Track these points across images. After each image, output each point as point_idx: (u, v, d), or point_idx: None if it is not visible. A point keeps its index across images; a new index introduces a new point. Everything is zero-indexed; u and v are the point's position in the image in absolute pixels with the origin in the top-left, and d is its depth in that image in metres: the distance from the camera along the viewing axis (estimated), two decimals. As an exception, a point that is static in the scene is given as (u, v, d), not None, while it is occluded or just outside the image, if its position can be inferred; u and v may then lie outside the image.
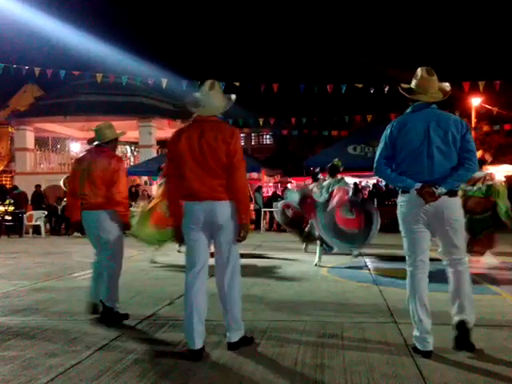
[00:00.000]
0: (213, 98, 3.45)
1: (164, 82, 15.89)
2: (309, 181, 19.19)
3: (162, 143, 24.85)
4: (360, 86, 15.95)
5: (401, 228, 3.50)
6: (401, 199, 3.46)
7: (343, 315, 4.41)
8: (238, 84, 14.86)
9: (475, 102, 22.92)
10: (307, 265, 7.69)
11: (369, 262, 7.91)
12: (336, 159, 8.20)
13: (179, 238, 3.52)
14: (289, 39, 47.58)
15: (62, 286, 6.18)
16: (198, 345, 3.30)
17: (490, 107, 23.73)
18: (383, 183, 16.82)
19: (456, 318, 3.33)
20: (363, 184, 16.97)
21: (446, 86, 3.54)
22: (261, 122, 20.14)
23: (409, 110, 3.51)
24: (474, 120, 23.60)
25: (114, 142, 4.60)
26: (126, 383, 2.92)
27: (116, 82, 17.59)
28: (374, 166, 3.54)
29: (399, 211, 3.49)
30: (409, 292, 3.41)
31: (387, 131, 3.49)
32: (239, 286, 3.49)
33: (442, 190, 3.24)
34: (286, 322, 4.23)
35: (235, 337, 3.46)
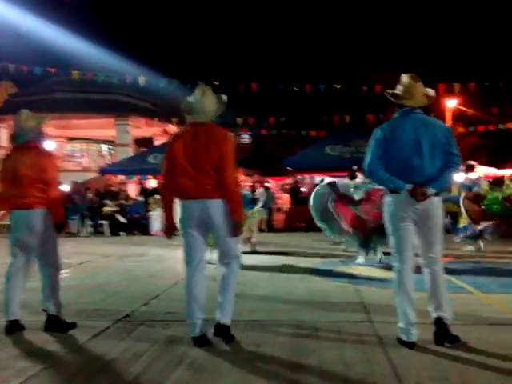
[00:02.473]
0: (205, 105, 3.65)
1: (142, 79, 15.74)
2: (287, 180, 19.32)
3: (139, 142, 24.62)
4: (338, 86, 16.07)
5: (388, 226, 3.64)
6: (389, 199, 3.60)
7: (320, 314, 4.42)
8: (217, 83, 14.80)
9: (450, 103, 23.27)
10: (285, 264, 7.70)
11: (346, 261, 7.96)
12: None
13: (170, 234, 3.77)
14: (268, 39, 47.68)
15: (31, 288, 6.05)
16: (200, 331, 3.54)
17: (464, 109, 24.17)
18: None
19: (434, 315, 3.50)
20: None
21: (431, 91, 3.74)
22: (239, 122, 20.11)
23: (397, 115, 3.69)
24: (450, 122, 23.98)
25: (39, 130, 4.19)
26: (99, 385, 2.87)
27: (93, 79, 17.35)
28: (366, 168, 3.65)
29: (387, 210, 3.62)
30: (396, 286, 3.55)
31: (378, 134, 3.62)
32: (237, 276, 3.69)
33: (432, 190, 3.45)
34: (263, 321, 4.22)
35: (225, 318, 3.57)
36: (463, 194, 8.77)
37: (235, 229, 3.61)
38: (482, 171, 13.53)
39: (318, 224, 7.99)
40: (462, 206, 8.68)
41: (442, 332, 3.44)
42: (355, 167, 8.76)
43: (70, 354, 3.43)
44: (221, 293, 3.62)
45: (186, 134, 3.65)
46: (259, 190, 14.07)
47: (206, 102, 3.65)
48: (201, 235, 3.63)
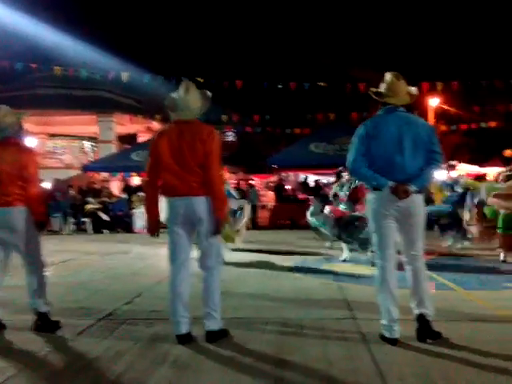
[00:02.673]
0: (190, 102, 3.60)
1: (125, 76, 15.59)
2: (272, 178, 19.34)
3: (122, 139, 24.40)
4: (323, 84, 16.12)
5: (370, 223, 3.66)
6: (371, 196, 3.62)
7: (304, 312, 4.43)
8: (201, 80, 14.73)
9: (433, 102, 23.49)
10: (270, 261, 7.71)
11: (330, 258, 7.99)
12: None
13: (154, 232, 3.71)
14: (253, 37, 47.63)
15: (10, 285, 5.96)
16: (184, 329, 3.52)
17: (447, 107, 24.43)
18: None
19: (416, 311, 3.53)
20: (324, 181, 17.10)
21: (413, 89, 3.77)
22: (224, 119, 20.08)
23: (380, 112, 3.71)
24: (432, 120, 24.21)
25: (18, 126, 4.11)
26: (81, 384, 2.84)
27: (75, 75, 17.11)
28: (350, 165, 3.67)
29: (370, 208, 3.64)
30: (378, 283, 3.56)
31: (361, 131, 3.63)
32: (220, 275, 3.67)
33: (414, 188, 3.48)
34: (249, 318, 4.22)
35: (215, 325, 3.56)
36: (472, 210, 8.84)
37: (218, 226, 3.58)
38: (464, 169, 13.72)
39: (317, 226, 8.13)
40: (466, 212, 8.79)
41: (424, 328, 3.48)
42: (341, 168, 8.84)
43: (52, 352, 3.39)
44: (206, 300, 3.57)
45: (170, 132, 3.62)
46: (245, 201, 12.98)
47: (190, 98, 3.61)
48: (186, 233, 3.60)
